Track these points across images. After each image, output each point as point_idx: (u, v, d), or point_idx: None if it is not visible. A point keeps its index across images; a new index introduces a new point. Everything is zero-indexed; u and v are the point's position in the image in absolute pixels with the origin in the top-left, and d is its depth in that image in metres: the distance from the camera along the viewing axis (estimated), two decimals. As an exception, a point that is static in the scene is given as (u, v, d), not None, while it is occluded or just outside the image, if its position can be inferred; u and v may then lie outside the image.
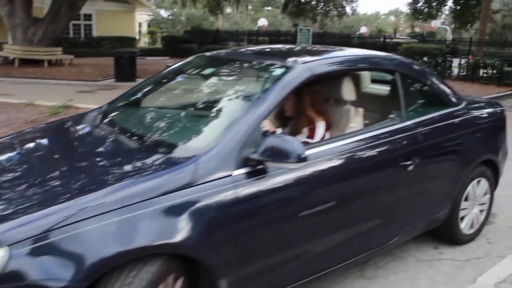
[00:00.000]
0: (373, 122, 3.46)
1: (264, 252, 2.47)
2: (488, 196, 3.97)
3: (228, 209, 2.25)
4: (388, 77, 3.51)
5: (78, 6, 20.11)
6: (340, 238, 2.88)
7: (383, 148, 2.97)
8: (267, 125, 2.86)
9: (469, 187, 3.70)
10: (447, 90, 3.68)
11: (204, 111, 2.93)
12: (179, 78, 3.47)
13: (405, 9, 31.02)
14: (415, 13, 28.60)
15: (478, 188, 3.81)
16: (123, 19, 27.04)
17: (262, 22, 37.44)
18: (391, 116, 3.20)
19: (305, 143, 3.01)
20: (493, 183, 4.00)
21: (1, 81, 14.23)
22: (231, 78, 3.23)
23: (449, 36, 34.83)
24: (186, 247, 2.12)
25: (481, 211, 3.96)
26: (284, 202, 2.49)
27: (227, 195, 2.24)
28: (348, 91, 3.23)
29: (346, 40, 25.81)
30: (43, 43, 18.83)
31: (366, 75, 4.06)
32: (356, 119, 3.24)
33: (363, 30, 44.59)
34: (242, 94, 2.89)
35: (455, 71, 17.30)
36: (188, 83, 3.43)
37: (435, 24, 34.86)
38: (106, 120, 3.06)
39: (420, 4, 27.92)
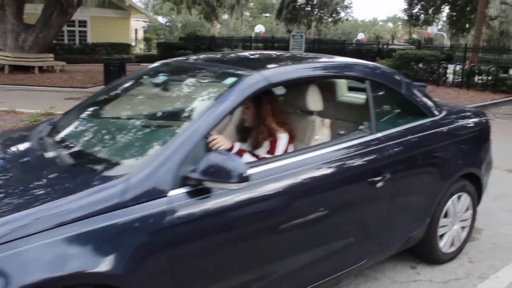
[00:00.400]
0: (343, 134, 3.24)
1: (209, 280, 2.23)
2: (470, 212, 3.72)
3: (163, 233, 2.00)
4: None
5: (70, 13, 19.93)
6: (305, 260, 2.64)
7: (349, 163, 2.73)
8: (222, 140, 2.62)
9: (449, 203, 3.45)
10: (424, 99, 3.44)
11: (147, 124, 2.69)
12: (133, 88, 3.23)
13: (402, 16, 30.79)
14: (411, 19, 28.44)
15: (458, 203, 3.56)
16: (118, 25, 26.93)
17: (259, 28, 37.31)
18: (361, 127, 2.96)
19: (264, 158, 2.79)
20: (476, 198, 3.75)
21: (-16, 88, 14.05)
22: (181, 88, 3.00)
23: (447, 43, 34.71)
24: (112, 277, 1.87)
25: (463, 227, 3.71)
26: (232, 225, 2.24)
27: (161, 217, 2.00)
28: (313, 100, 2.99)
29: (341, 46, 25.59)
30: (34, 50, 18.68)
31: (340, 83, 3.84)
32: (322, 131, 3.00)
33: (361, 36, 44.51)
34: (189, 106, 2.64)
35: (450, 77, 17.08)
36: (140, 93, 3.20)
37: (432, 30, 34.72)
38: (50, 133, 2.82)
39: (416, 10, 27.77)
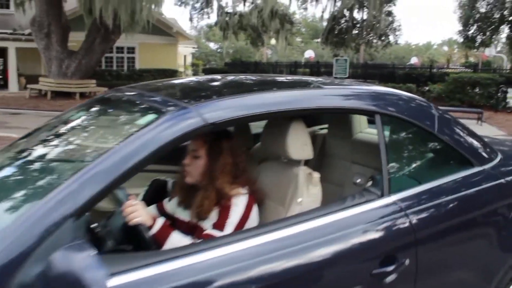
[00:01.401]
0: (360, 184, 2.29)
1: None
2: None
3: None
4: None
5: (112, 39, 20.04)
6: None
7: (338, 248, 1.74)
8: (140, 210, 1.74)
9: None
10: (469, 139, 2.40)
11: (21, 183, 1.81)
12: (57, 125, 2.38)
13: (458, 38, 29.06)
14: (467, 41, 26.69)
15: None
16: (165, 51, 27.10)
17: (309, 53, 36.61)
18: (368, 186, 1.98)
19: (207, 236, 1.86)
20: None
21: (24, 113, 14.01)
22: (90, 128, 2.12)
23: (507, 65, 32.53)
24: None
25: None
26: None
27: None
28: (296, 144, 2.04)
29: (390, 70, 24.25)
30: (76, 76, 18.86)
31: (358, 116, 2.87)
32: (308, 191, 2.02)
33: (414, 60, 42.83)
34: (77, 158, 1.76)
35: (511, 102, 15.49)
36: (53, 132, 2.34)
37: (490, 52, 32.67)
38: None
39: (472, 32, 26.03)
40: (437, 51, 68.75)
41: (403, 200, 1.93)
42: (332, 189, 2.87)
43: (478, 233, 2.22)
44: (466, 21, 26.06)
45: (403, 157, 2.14)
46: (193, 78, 2.46)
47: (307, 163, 2.12)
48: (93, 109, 2.24)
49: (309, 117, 2.06)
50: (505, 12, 24.59)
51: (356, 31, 25.47)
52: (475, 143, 2.40)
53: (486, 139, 2.60)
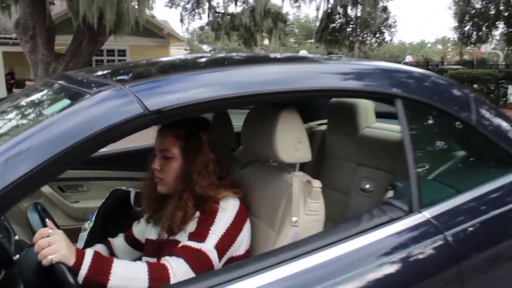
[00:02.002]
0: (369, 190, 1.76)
1: None
2: None
3: None
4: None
5: (101, 41, 19.41)
6: None
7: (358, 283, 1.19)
8: (59, 242, 1.16)
9: None
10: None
11: None
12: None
13: (452, 35, 28.56)
14: (463, 38, 26.23)
15: None
16: (157, 53, 26.52)
17: (303, 53, 36.14)
18: (388, 198, 1.42)
19: (186, 249, 1.30)
20: None
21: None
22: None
23: (502, 62, 32.14)
24: None
25: None
26: None
27: None
28: (288, 143, 1.46)
29: (386, 68, 23.66)
30: (62, 79, 18.27)
31: (363, 107, 2.36)
32: (304, 206, 1.45)
33: (408, 59, 42.42)
34: None
35: (511, 98, 15.03)
36: None
37: (486, 49, 32.20)
38: None
39: (468, 28, 25.56)
40: (431, 49, 68.50)
41: (439, 217, 1.37)
42: (335, 196, 2.35)
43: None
44: (461, 17, 25.63)
45: (433, 157, 1.59)
46: (163, 58, 1.85)
47: (303, 167, 1.56)
48: (19, 98, 1.67)
49: (304, 109, 1.49)
50: (501, 7, 24.21)
51: (350, 29, 24.90)
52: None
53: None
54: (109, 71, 1.49)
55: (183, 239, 1.38)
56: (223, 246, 1.35)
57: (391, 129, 2.35)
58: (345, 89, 1.41)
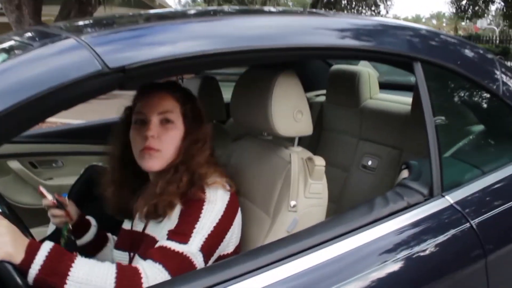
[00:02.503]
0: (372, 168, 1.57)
1: None
2: None
3: None
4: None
5: (89, 11, 18.91)
6: None
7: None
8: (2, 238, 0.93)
9: None
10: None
11: None
12: None
13: (448, 10, 28.13)
14: (459, 12, 25.86)
15: None
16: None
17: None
18: (403, 179, 1.20)
19: (165, 251, 1.08)
20: None
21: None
22: None
23: (496, 38, 31.90)
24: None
25: None
26: None
27: None
28: (285, 113, 1.22)
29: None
30: (50, 50, 17.84)
31: (365, 75, 2.15)
32: (305, 188, 1.21)
33: (403, 33, 42.10)
34: None
35: (508, 74, 14.85)
36: None
37: (481, 24, 31.85)
38: None
39: (464, 2, 25.17)
40: (426, 24, 68.04)
41: (464, 202, 1.16)
42: (333, 173, 2.14)
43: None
44: (458, -9, 25.24)
45: (456, 132, 1.37)
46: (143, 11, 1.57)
47: (300, 142, 1.33)
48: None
49: (300, 77, 1.24)
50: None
51: (345, 1, 24.45)
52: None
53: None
54: (79, 22, 1.23)
55: (161, 237, 1.12)
56: (209, 247, 1.10)
57: (398, 101, 2.14)
58: (355, 48, 1.16)
